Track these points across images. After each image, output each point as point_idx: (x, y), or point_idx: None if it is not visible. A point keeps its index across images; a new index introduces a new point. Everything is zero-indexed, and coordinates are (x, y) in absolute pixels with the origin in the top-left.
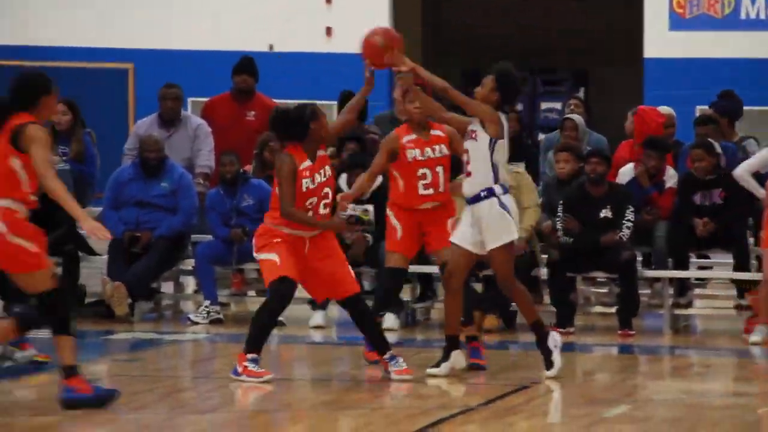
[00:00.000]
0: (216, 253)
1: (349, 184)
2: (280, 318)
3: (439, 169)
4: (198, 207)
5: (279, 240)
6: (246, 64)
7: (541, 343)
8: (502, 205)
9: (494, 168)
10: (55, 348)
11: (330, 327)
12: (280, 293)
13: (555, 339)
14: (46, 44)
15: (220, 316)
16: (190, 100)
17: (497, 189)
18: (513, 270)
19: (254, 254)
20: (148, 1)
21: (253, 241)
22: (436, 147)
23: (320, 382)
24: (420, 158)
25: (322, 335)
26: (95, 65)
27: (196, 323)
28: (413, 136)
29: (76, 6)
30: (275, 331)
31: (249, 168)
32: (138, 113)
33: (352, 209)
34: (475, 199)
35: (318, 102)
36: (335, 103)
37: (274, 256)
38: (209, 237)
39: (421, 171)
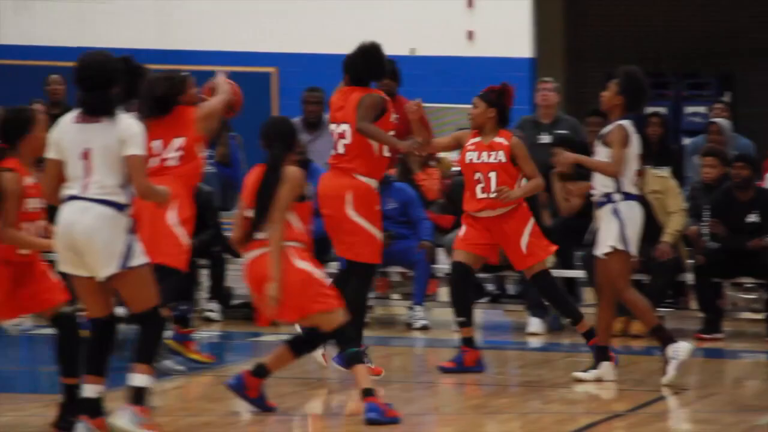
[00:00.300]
0: None
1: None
2: (425, 321)
3: (492, 174)
4: None
5: (377, 208)
6: (387, 67)
7: (663, 350)
8: (615, 212)
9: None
10: (355, 376)
11: (476, 331)
12: (371, 277)
13: (676, 350)
14: (192, 48)
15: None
16: None
17: (616, 196)
18: (626, 278)
19: (349, 211)
20: (292, 5)
21: (347, 194)
22: (493, 153)
23: (466, 386)
24: (476, 161)
25: None
26: (239, 69)
27: None
28: (477, 139)
29: (220, 11)
30: (420, 335)
31: (392, 172)
32: None
33: None
34: (598, 205)
35: (459, 106)
36: None
37: (377, 233)
38: None
39: (476, 175)
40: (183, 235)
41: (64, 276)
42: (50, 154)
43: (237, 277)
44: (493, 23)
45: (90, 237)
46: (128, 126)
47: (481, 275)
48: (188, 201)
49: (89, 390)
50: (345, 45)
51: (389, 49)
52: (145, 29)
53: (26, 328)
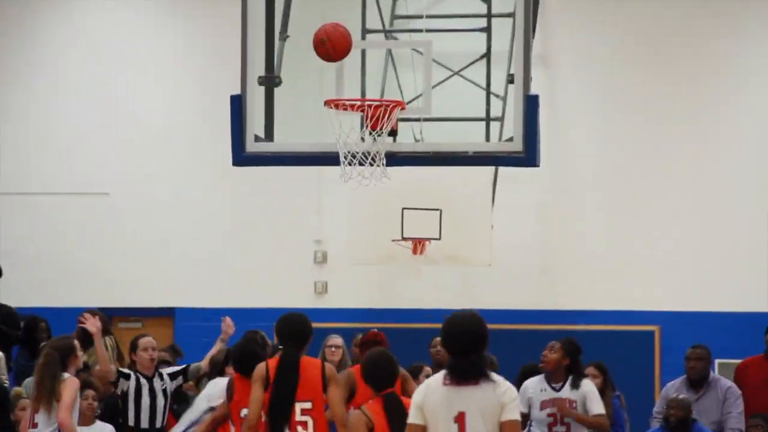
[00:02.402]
0: None
1: None
2: None
3: None
4: None
5: None
6: None
7: None
8: None
9: None
10: None
11: None
12: None
13: None
14: (575, 308)
15: None
16: (717, 361)
17: None
18: None
19: None
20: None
21: None
22: None
23: None
24: None
25: None
26: (622, 328)
27: None
28: None
29: (600, 269)
30: None
31: None
32: (663, 375)
33: None
34: None
35: None
36: None
37: None
38: None
39: None
40: None
41: None
42: (414, 419)
43: None
44: None
45: None
46: (508, 390)
47: None
48: None
49: None
50: (728, 302)
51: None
52: (528, 290)
53: None
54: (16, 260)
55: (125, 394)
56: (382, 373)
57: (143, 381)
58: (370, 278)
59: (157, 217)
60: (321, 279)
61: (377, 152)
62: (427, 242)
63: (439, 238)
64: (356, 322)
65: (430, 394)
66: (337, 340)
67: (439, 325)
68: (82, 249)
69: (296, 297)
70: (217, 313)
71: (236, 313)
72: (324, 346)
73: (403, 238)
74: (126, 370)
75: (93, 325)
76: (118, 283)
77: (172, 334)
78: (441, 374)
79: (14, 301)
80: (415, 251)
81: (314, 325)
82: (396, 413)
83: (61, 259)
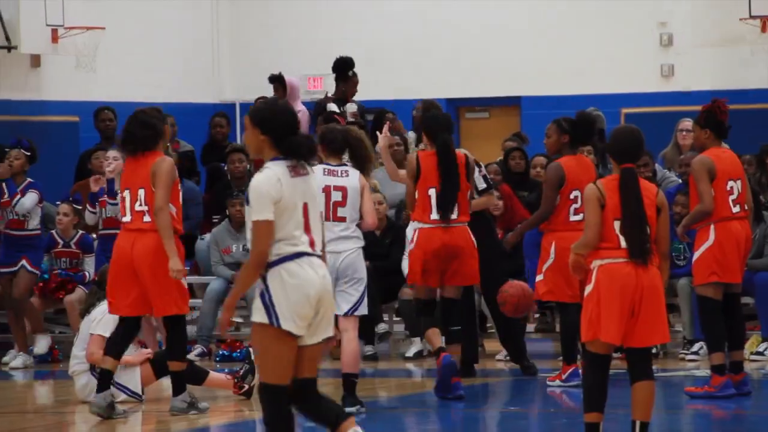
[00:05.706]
0: None
1: None
2: None
3: None
4: None
5: None
6: None
7: None
8: None
9: None
10: None
11: None
12: None
13: None
14: None
15: None
16: None
17: None
18: None
19: None
20: None
21: None
22: None
23: None
24: None
25: None
26: None
27: None
28: None
29: None
30: None
31: None
32: None
33: None
34: None
35: None
36: None
37: None
38: None
39: None
40: None
41: None
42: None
43: None
44: None
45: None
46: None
47: None
48: None
49: None
50: None
51: None
52: None
53: None
54: (364, 54)
55: None
56: (623, 147)
57: None
58: (717, 59)
59: (501, 6)
60: (667, 62)
61: None
62: None
63: None
64: (703, 104)
65: (284, 187)
66: (687, 123)
67: None
68: (428, 41)
69: (642, 81)
70: (562, 101)
71: (581, 100)
72: (676, 130)
73: (751, 17)
74: None
75: None
76: (464, 74)
77: (518, 123)
78: (280, 164)
79: (361, 94)
80: (763, 30)
81: (661, 109)
82: (629, 189)
83: (407, 51)
